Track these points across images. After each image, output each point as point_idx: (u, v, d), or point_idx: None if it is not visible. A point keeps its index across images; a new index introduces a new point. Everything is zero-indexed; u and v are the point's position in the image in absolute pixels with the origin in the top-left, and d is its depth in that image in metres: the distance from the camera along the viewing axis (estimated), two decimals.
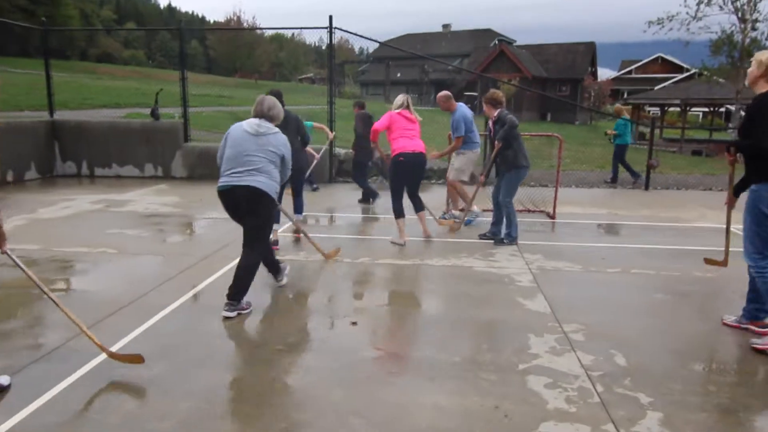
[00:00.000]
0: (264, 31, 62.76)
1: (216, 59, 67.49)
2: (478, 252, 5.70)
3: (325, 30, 10.42)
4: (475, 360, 3.25)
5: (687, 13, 21.58)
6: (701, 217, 7.84)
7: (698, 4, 21.36)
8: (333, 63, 10.75)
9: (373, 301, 4.29)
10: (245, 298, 4.01)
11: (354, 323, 3.80)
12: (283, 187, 5.42)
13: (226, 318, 3.86)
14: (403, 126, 5.95)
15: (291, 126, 5.52)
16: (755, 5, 20.66)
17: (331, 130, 10.78)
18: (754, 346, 3.45)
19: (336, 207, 8.30)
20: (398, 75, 53.36)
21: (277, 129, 4.07)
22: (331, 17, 10.40)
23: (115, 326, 3.68)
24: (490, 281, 4.75)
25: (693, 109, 34.89)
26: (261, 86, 47.71)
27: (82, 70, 43.88)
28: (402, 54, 47.34)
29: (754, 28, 20.95)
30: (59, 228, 6.50)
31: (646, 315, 4.05)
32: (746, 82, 3.60)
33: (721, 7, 21.21)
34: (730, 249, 4.22)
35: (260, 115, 4.05)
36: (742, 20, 20.90)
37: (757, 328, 3.65)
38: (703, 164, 17.61)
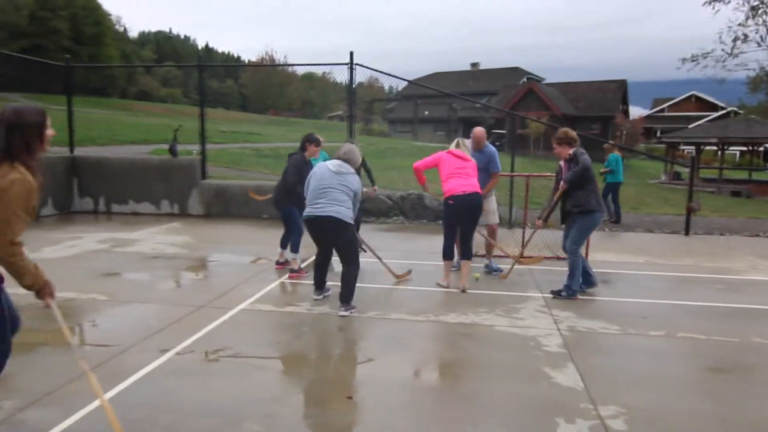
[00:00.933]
0: (295, 70, 64.01)
1: (249, 97, 69.11)
2: (500, 306, 5.11)
3: (347, 66, 10.21)
4: None
5: (722, 50, 20.88)
6: (752, 268, 7.09)
7: (734, 41, 20.68)
8: (354, 99, 10.46)
9: (374, 368, 3.74)
10: (353, 302, 4.86)
11: (349, 397, 3.26)
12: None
13: (342, 316, 4.73)
14: (453, 165, 5.68)
15: (289, 163, 6.12)
16: None
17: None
18: None
19: None
20: (426, 113, 53.48)
21: (353, 170, 4.93)
22: (351, 53, 10.17)
23: (78, 393, 3.21)
24: (512, 345, 4.15)
25: (730, 148, 33.69)
26: (291, 123, 48.36)
27: (120, 108, 45.30)
28: (430, 92, 47.63)
29: None
30: (56, 270, 6.16)
31: (699, 395, 3.39)
32: None
33: (758, 43, 20.49)
34: None
35: (340, 158, 4.96)
36: None
37: None
38: (744, 206, 16.66)
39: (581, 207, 5.36)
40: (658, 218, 11.05)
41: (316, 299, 5.21)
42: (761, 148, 32.36)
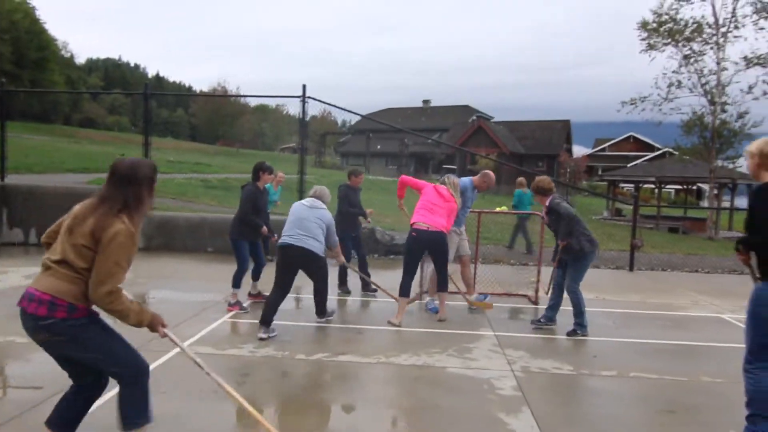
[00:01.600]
0: (247, 101, 63.42)
1: (199, 127, 67.87)
2: (454, 346, 4.97)
3: (300, 99, 10.10)
4: None
5: (658, 94, 22.15)
6: (694, 304, 7.26)
7: (669, 87, 21.98)
8: (306, 132, 10.33)
9: (321, 418, 3.50)
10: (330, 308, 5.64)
11: None
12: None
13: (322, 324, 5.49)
14: (430, 199, 5.73)
15: (243, 195, 6.16)
16: (723, 89, 21.30)
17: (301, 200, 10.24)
18: None
19: (302, 285, 7.51)
20: (378, 147, 54.00)
21: (324, 206, 5.42)
22: (304, 86, 10.08)
23: None
24: (464, 389, 4.00)
25: (667, 186, 35.44)
26: (242, 155, 47.61)
27: (63, 134, 43.48)
28: (383, 126, 48.18)
29: (723, 110, 21.49)
30: None
31: None
32: (750, 175, 3.37)
33: (691, 90, 21.83)
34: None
35: (314, 196, 5.52)
36: (712, 102, 21.45)
37: None
38: (682, 242, 17.38)
39: (573, 253, 5.44)
40: (604, 254, 11.30)
41: (261, 338, 5.00)
42: (695, 187, 34.18)
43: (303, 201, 5.53)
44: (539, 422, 3.43)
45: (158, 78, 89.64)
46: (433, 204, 5.68)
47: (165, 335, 2.70)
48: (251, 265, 6.21)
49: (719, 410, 3.79)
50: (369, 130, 50.89)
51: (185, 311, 5.85)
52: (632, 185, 32.59)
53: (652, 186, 33.44)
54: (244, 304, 6.08)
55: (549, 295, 5.87)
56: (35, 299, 2.45)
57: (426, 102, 60.64)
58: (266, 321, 5.10)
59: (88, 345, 2.53)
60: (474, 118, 50.44)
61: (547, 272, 7.97)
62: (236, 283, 6.05)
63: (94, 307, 2.58)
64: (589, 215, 27.95)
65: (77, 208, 2.54)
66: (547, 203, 5.60)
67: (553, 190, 5.65)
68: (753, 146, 3.27)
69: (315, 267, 5.27)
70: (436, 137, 47.89)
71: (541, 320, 5.77)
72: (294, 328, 5.50)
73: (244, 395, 3.78)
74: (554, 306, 5.78)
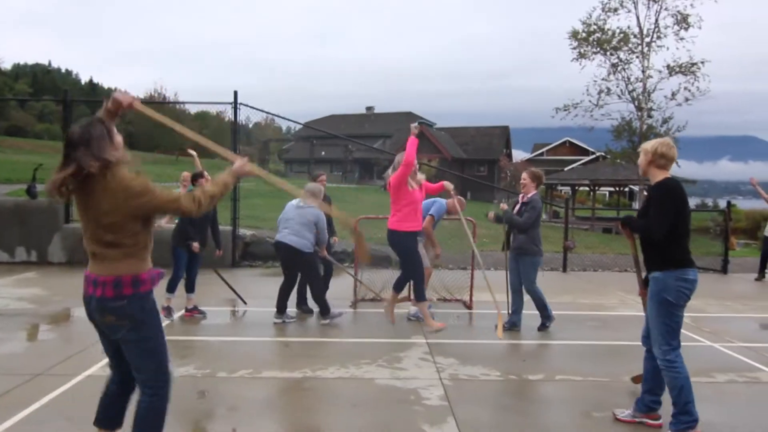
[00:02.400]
0: (187, 108, 61.52)
1: (136, 134, 65.19)
2: (384, 356, 4.87)
3: (235, 106, 9.82)
4: None
5: (590, 101, 23.03)
6: (621, 304, 7.49)
7: (599, 93, 22.89)
8: (237, 138, 10.02)
9: None
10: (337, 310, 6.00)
11: None
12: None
13: (323, 324, 5.87)
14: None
15: None
16: (649, 95, 22.37)
17: (235, 209, 9.92)
18: (619, 417, 3.55)
19: (236, 298, 7.20)
20: (323, 153, 53.63)
21: (312, 205, 5.68)
22: (236, 92, 9.83)
23: None
24: (391, 400, 3.89)
25: (601, 189, 36.91)
26: (181, 162, 46.03)
27: None
28: (324, 134, 47.86)
29: (650, 116, 22.57)
30: None
31: None
32: (639, 172, 3.66)
33: (619, 96, 22.82)
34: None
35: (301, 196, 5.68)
36: (639, 108, 22.50)
37: (651, 421, 3.48)
38: (614, 242, 18.02)
39: (522, 249, 5.69)
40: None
41: (276, 322, 5.83)
42: (626, 189, 35.76)
43: (293, 201, 5.94)
44: None
45: (91, 84, 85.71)
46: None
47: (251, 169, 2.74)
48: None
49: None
50: (313, 136, 50.46)
51: (89, 336, 5.47)
52: (569, 188, 33.74)
53: (588, 189, 34.75)
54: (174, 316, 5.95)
55: (510, 301, 5.95)
56: (99, 283, 2.46)
57: (369, 109, 60.74)
58: (280, 308, 5.87)
59: (145, 330, 2.53)
60: (416, 124, 50.90)
61: (481, 276, 8.01)
62: (171, 288, 5.96)
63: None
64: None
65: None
66: (531, 194, 5.69)
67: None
68: (648, 144, 3.45)
69: (299, 261, 5.76)
70: (380, 143, 48.04)
71: (506, 326, 5.74)
72: (222, 344, 5.26)
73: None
74: (517, 310, 5.87)
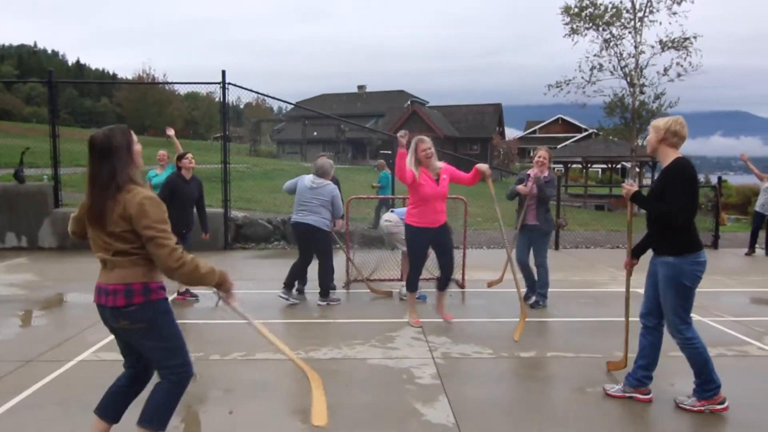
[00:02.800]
0: (176, 89, 60.65)
1: (125, 117, 64.32)
2: (376, 336, 4.89)
3: (223, 86, 9.67)
4: None
5: (582, 77, 22.92)
6: (613, 280, 7.54)
7: (591, 70, 22.78)
8: (227, 119, 9.91)
9: (232, 425, 3.33)
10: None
11: None
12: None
13: (318, 305, 5.93)
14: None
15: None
16: (641, 71, 22.27)
17: (226, 191, 9.86)
18: (609, 392, 3.62)
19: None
20: (315, 134, 53.25)
21: (327, 182, 5.91)
22: (224, 72, 9.68)
23: None
24: (384, 380, 3.91)
25: (593, 166, 36.96)
26: (172, 144, 45.34)
27: None
28: (316, 114, 47.46)
29: (642, 92, 22.51)
30: None
31: (566, 421, 3.35)
32: (648, 150, 3.54)
33: (611, 72, 22.72)
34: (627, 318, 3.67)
35: (315, 173, 5.93)
36: (631, 85, 22.40)
37: (642, 396, 3.54)
38: (606, 219, 18.11)
39: (549, 223, 6.03)
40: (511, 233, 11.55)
41: (280, 296, 5.91)
42: (619, 166, 35.81)
43: (306, 181, 5.95)
44: (455, 410, 3.39)
45: (79, 65, 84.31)
46: None
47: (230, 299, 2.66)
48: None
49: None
50: (305, 116, 50.05)
51: (94, 315, 5.45)
52: (561, 166, 33.76)
53: (580, 166, 34.78)
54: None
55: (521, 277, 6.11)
56: (110, 292, 2.46)
57: (361, 87, 60.21)
58: (288, 284, 5.94)
59: (161, 333, 2.53)
60: (408, 103, 50.62)
61: (471, 255, 8.03)
62: None
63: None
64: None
65: (85, 200, 2.50)
66: (548, 173, 5.91)
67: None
68: (661, 122, 3.36)
69: (315, 240, 5.86)
70: (372, 122, 47.75)
71: (534, 303, 6.04)
72: (214, 326, 5.26)
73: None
74: (532, 286, 6.13)
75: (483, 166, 5.15)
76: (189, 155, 6.04)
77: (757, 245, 10.15)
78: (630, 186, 3.44)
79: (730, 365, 4.27)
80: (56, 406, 3.44)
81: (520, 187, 5.85)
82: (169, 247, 2.38)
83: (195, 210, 6.31)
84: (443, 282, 5.41)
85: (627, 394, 3.57)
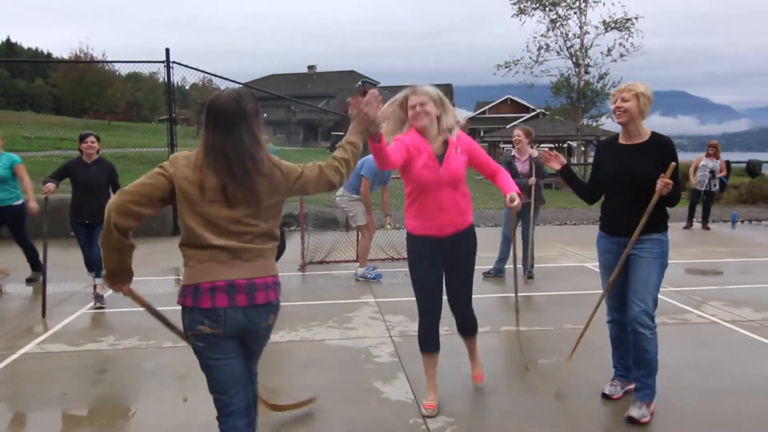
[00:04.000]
0: (117, 69, 57.88)
1: (63, 99, 60.97)
2: (334, 317, 4.89)
3: (163, 65, 9.31)
4: None
5: (530, 57, 23.34)
6: (561, 256, 7.79)
7: (539, 50, 23.22)
8: (172, 99, 9.57)
9: (187, 412, 3.27)
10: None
11: None
12: None
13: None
14: None
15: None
16: (586, 52, 22.87)
17: None
18: (614, 397, 3.32)
19: (179, 266, 7.06)
20: (264, 115, 51.96)
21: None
22: (167, 50, 9.30)
23: None
24: (343, 360, 3.93)
25: (541, 145, 37.87)
26: (115, 127, 43.50)
27: None
28: (266, 95, 46.46)
29: (587, 72, 23.14)
30: None
31: (519, 392, 3.46)
32: (623, 119, 3.08)
33: (558, 52, 23.24)
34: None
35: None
36: (577, 65, 22.99)
37: (632, 386, 3.28)
38: (554, 197, 18.56)
39: (541, 199, 6.38)
40: (483, 212, 11.79)
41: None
42: (565, 145, 36.81)
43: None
44: (413, 387, 3.46)
45: (9, 44, 79.15)
46: None
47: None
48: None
49: (581, 356, 4.03)
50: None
51: (37, 305, 5.22)
52: (511, 146, 34.41)
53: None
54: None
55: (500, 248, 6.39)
56: (259, 287, 2.07)
57: (311, 68, 59.35)
58: None
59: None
60: (360, 83, 50.23)
61: None
62: (90, 266, 5.50)
63: None
64: (474, 175, 29.16)
65: (197, 176, 2.04)
66: (531, 153, 6.23)
67: None
68: (641, 87, 3.03)
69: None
70: (324, 103, 47.20)
71: (491, 272, 6.40)
72: (165, 314, 5.11)
73: (96, 396, 3.44)
74: (504, 259, 6.35)
75: (515, 200, 3.26)
76: (90, 138, 5.61)
77: (694, 219, 10.69)
78: (667, 182, 2.90)
79: (673, 333, 4.51)
80: (1, 402, 3.28)
81: (531, 180, 6.21)
82: (324, 174, 2.31)
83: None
84: (464, 327, 3.55)
85: (624, 390, 3.34)
